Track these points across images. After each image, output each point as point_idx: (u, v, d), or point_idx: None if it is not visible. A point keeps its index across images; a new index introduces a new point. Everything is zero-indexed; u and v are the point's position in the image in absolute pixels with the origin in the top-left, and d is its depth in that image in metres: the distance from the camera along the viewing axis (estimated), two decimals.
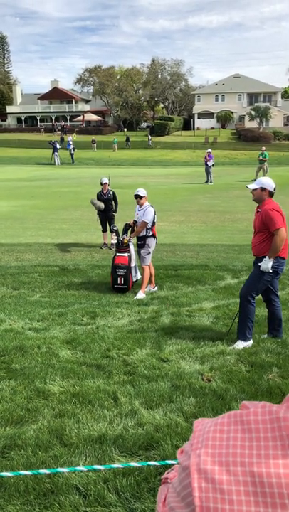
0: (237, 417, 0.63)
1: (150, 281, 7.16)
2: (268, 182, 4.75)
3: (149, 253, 6.99)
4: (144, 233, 6.93)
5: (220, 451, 0.60)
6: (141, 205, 6.98)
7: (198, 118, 63.30)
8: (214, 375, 3.96)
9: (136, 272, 7.43)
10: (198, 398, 3.51)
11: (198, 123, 62.43)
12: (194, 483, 0.59)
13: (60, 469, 2.15)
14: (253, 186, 4.77)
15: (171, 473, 0.85)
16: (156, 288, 7.25)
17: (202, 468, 0.60)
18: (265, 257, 4.60)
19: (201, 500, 0.58)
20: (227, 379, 3.86)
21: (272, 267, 4.55)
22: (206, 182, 23.99)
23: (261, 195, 4.71)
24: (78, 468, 2.19)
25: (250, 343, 4.69)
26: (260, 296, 4.93)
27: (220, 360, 4.28)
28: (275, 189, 4.75)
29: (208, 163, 23.70)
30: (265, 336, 4.94)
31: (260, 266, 4.60)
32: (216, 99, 63.81)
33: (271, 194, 4.72)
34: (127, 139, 48.88)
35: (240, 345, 4.64)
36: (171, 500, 0.66)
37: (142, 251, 6.99)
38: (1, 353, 4.50)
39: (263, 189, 4.69)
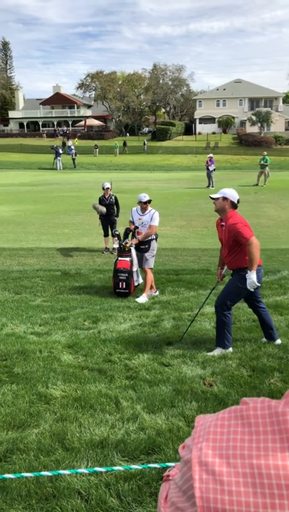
0: (237, 412, 0.65)
1: (151, 286, 7.18)
2: (230, 192, 4.65)
3: (154, 256, 7.07)
4: (150, 237, 7.00)
5: (220, 445, 0.62)
6: (144, 210, 7.01)
7: (200, 123, 63.52)
8: (216, 379, 3.96)
9: (137, 277, 7.45)
10: (200, 403, 3.52)
11: (200, 128, 62.64)
12: (196, 475, 0.62)
13: (62, 471, 2.16)
14: (215, 196, 4.67)
15: (172, 471, 0.87)
16: (157, 292, 7.26)
17: (203, 460, 0.62)
18: (241, 269, 4.51)
19: (201, 491, 0.60)
20: (229, 383, 3.86)
21: None
22: (208, 187, 24.04)
23: (223, 206, 4.59)
24: (80, 470, 2.19)
25: (230, 350, 4.64)
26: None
27: (221, 365, 4.28)
28: (238, 201, 4.64)
29: (209, 167, 23.76)
30: (264, 339, 4.93)
31: (241, 278, 4.49)
32: (218, 104, 64.05)
33: (234, 206, 4.62)
34: (124, 144, 49.19)
35: (219, 351, 4.60)
36: (173, 495, 0.67)
37: (146, 254, 7.04)
38: (3, 357, 4.51)
39: (224, 199, 4.58)
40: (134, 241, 7.13)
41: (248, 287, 4.39)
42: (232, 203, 4.60)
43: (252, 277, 4.36)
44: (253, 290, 4.43)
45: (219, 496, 0.59)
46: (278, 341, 4.86)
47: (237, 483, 0.59)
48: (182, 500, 0.64)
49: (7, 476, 2.03)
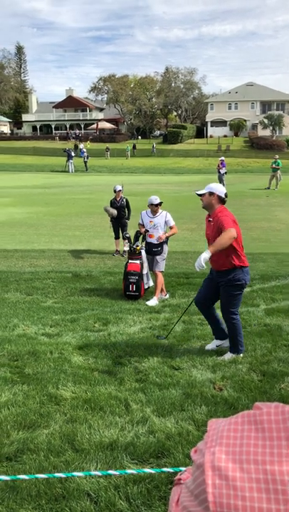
0: (250, 417, 0.65)
1: (161, 289, 7.18)
2: (216, 187, 4.45)
3: (164, 259, 7.07)
4: (167, 238, 7.02)
5: (234, 450, 0.62)
6: (155, 212, 7.01)
7: (211, 126, 63.44)
8: (226, 383, 3.94)
9: (148, 280, 7.46)
10: (210, 407, 3.50)
11: (211, 131, 62.56)
12: (208, 479, 0.61)
13: (75, 473, 2.17)
14: (201, 191, 4.47)
15: (184, 475, 0.86)
16: (167, 295, 7.26)
17: (216, 465, 0.62)
18: (227, 270, 4.34)
19: (214, 496, 0.60)
20: (239, 388, 3.84)
21: (240, 279, 4.35)
22: None
23: (210, 201, 4.39)
24: (93, 472, 2.20)
25: (241, 354, 4.62)
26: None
27: (232, 369, 4.26)
28: (226, 195, 4.45)
29: (220, 170, 23.71)
30: (218, 341, 4.84)
31: (231, 284, 4.38)
32: (229, 108, 63.92)
33: (222, 200, 4.42)
34: (134, 147, 49.40)
35: (230, 356, 4.56)
36: (185, 499, 0.67)
37: (157, 257, 7.04)
38: (14, 357, 4.55)
39: (211, 193, 4.37)
40: (163, 237, 6.93)
41: (195, 266, 4.17)
42: (219, 197, 4.40)
43: (204, 257, 4.12)
44: (197, 270, 4.21)
45: (232, 501, 0.59)
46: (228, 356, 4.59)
47: (250, 488, 0.59)
48: (194, 504, 0.64)
49: (21, 476, 2.05)
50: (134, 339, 5.14)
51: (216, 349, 4.80)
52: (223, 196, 4.44)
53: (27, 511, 2.43)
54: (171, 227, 7.04)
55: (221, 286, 4.50)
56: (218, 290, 4.58)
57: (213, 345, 4.85)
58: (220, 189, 4.46)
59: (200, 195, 4.50)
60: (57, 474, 2.31)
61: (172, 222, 7.01)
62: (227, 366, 4.34)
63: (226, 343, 4.79)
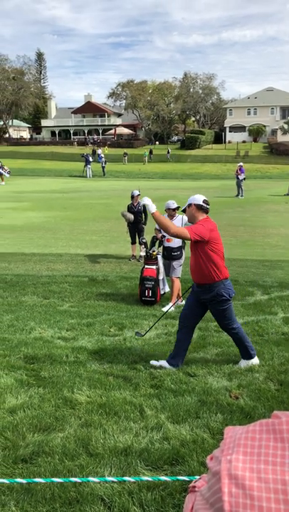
0: (269, 426, 0.64)
1: (177, 295, 7.15)
2: (193, 197, 4.31)
3: (181, 265, 7.04)
4: (181, 243, 6.97)
5: (251, 458, 0.61)
6: (172, 217, 7.01)
7: (230, 131, 63.18)
8: (242, 392, 3.90)
9: (164, 285, 7.44)
10: (226, 415, 3.47)
11: (230, 136, 62.30)
12: (225, 488, 0.60)
13: (90, 479, 2.18)
14: (184, 207, 4.39)
15: (198, 482, 0.85)
16: (183, 301, 7.22)
17: (233, 473, 0.61)
18: (209, 286, 4.23)
19: (230, 505, 0.59)
20: (255, 397, 3.80)
21: (223, 294, 4.23)
22: (237, 196, 23.84)
23: (190, 212, 4.28)
24: (108, 478, 2.21)
25: (256, 361, 4.51)
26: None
27: (248, 378, 4.21)
28: (205, 202, 4.27)
29: (239, 176, 23.58)
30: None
31: (218, 302, 4.25)
32: (248, 113, 63.59)
33: (202, 208, 4.26)
34: (151, 152, 49.52)
35: (245, 364, 4.49)
36: (200, 507, 0.66)
37: (174, 262, 7.01)
38: (30, 360, 4.60)
39: (189, 205, 4.30)
40: (159, 235, 7.00)
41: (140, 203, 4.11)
42: (196, 206, 4.25)
43: (148, 203, 4.28)
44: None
45: (249, 511, 0.58)
46: None
47: (268, 499, 0.57)
48: None
49: (36, 480, 2.06)
50: (149, 345, 5.13)
51: (236, 357, 4.74)
52: (202, 203, 4.26)
53: None
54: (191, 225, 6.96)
55: (208, 305, 4.39)
56: (202, 309, 4.47)
57: (160, 362, 4.52)
58: (197, 197, 4.32)
59: (183, 211, 4.45)
60: (72, 479, 2.31)
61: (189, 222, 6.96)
62: (243, 374, 4.29)
63: (165, 364, 4.48)
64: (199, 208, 4.27)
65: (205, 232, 4.10)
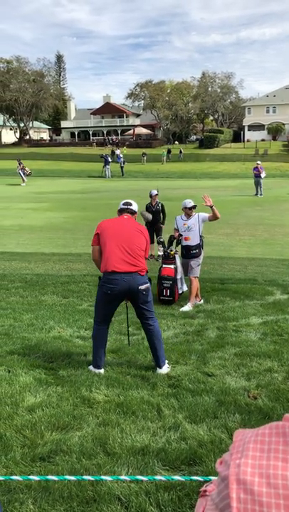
0: (279, 429, 0.62)
1: (196, 295, 7.11)
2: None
3: (200, 264, 7.00)
4: (199, 242, 6.94)
5: (260, 463, 0.59)
6: (189, 216, 6.99)
7: (249, 130, 62.53)
8: (261, 392, 3.84)
9: (182, 284, 7.41)
10: (244, 415, 3.43)
11: (249, 135, 61.65)
12: (233, 493, 0.59)
13: (103, 477, 2.18)
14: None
15: (209, 486, 0.84)
16: (202, 301, 7.18)
17: (241, 478, 0.59)
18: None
19: (239, 511, 0.57)
20: (274, 397, 3.74)
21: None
22: (256, 194, 23.57)
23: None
24: (122, 477, 2.20)
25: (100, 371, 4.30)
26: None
27: (267, 378, 4.15)
28: (122, 205, 4.68)
29: (260, 175, 23.32)
30: None
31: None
32: (267, 111, 62.81)
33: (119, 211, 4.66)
34: (169, 151, 49.42)
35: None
36: None
37: (192, 262, 6.97)
38: (49, 359, 4.64)
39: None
40: (176, 234, 7.03)
41: None
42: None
43: None
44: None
45: None
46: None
47: (277, 505, 0.55)
48: None
49: (50, 477, 2.08)
50: (167, 344, 5.11)
51: (255, 357, 4.68)
52: (119, 208, 4.70)
53: None
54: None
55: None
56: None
57: None
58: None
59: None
60: (85, 477, 2.32)
61: (205, 219, 6.94)
62: (262, 374, 4.23)
63: None
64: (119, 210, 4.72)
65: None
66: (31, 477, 2.32)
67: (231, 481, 0.59)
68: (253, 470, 0.59)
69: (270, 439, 0.61)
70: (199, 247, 6.95)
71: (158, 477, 2.52)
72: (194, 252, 6.95)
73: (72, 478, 2.34)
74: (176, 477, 2.48)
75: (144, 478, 2.45)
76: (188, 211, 6.97)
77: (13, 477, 2.37)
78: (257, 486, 0.57)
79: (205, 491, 0.83)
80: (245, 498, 0.57)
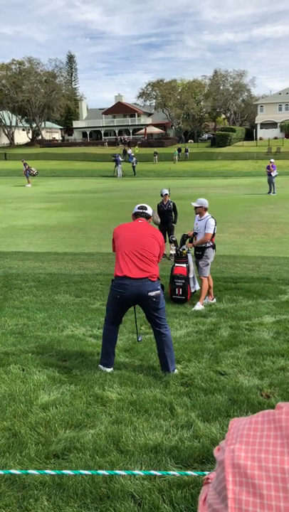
0: (270, 416, 0.66)
1: (208, 293, 7.09)
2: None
3: (208, 264, 6.94)
4: (204, 244, 6.92)
5: (253, 448, 0.63)
6: (201, 216, 6.98)
7: (261, 128, 62.03)
8: (274, 391, 3.82)
9: (194, 283, 7.40)
10: None
11: (261, 133, 61.16)
12: (228, 476, 0.63)
13: (118, 472, 2.20)
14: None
15: (212, 474, 0.87)
16: (214, 300, 7.16)
17: (236, 462, 0.63)
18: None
19: (234, 492, 0.62)
20: (287, 396, 3.71)
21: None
22: (269, 193, 23.38)
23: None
24: (135, 472, 2.22)
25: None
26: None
27: (280, 376, 4.13)
28: (136, 209, 4.77)
29: (272, 173, 23.14)
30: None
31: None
32: (280, 109, 62.25)
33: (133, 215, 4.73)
34: (179, 150, 49.34)
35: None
36: (211, 497, 0.69)
37: (200, 262, 6.96)
38: (63, 358, 4.68)
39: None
40: (189, 245, 7.12)
41: None
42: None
43: None
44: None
45: (251, 498, 0.60)
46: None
47: (268, 486, 0.59)
48: (218, 501, 0.66)
49: (65, 472, 2.10)
50: (179, 343, 5.11)
51: (268, 355, 4.66)
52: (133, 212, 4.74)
53: (73, 509, 2.48)
54: (205, 234, 6.81)
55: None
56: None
57: None
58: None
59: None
60: (100, 471, 2.34)
61: (207, 230, 6.76)
62: (275, 373, 4.21)
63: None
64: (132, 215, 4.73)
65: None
66: (47, 471, 2.35)
67: (227, 465, 0.64)
68: (246, 454, 0.63)
69: (262, 426, 0.66)
70: (204, 249, 6.90)
71: (171, 472, 2.54)
72: (198, 253, 6.96)
73: (87, 472, 2.37)
74: (190, 472, 2.49)
75: (158, 473, 2.47)
76: (195, 211, 7.00)
77: (30, 471, 2.41)
78: (250, 469, 0.62)
79: (208, 478, 0.87)
80: (241, 481, 0.62)
